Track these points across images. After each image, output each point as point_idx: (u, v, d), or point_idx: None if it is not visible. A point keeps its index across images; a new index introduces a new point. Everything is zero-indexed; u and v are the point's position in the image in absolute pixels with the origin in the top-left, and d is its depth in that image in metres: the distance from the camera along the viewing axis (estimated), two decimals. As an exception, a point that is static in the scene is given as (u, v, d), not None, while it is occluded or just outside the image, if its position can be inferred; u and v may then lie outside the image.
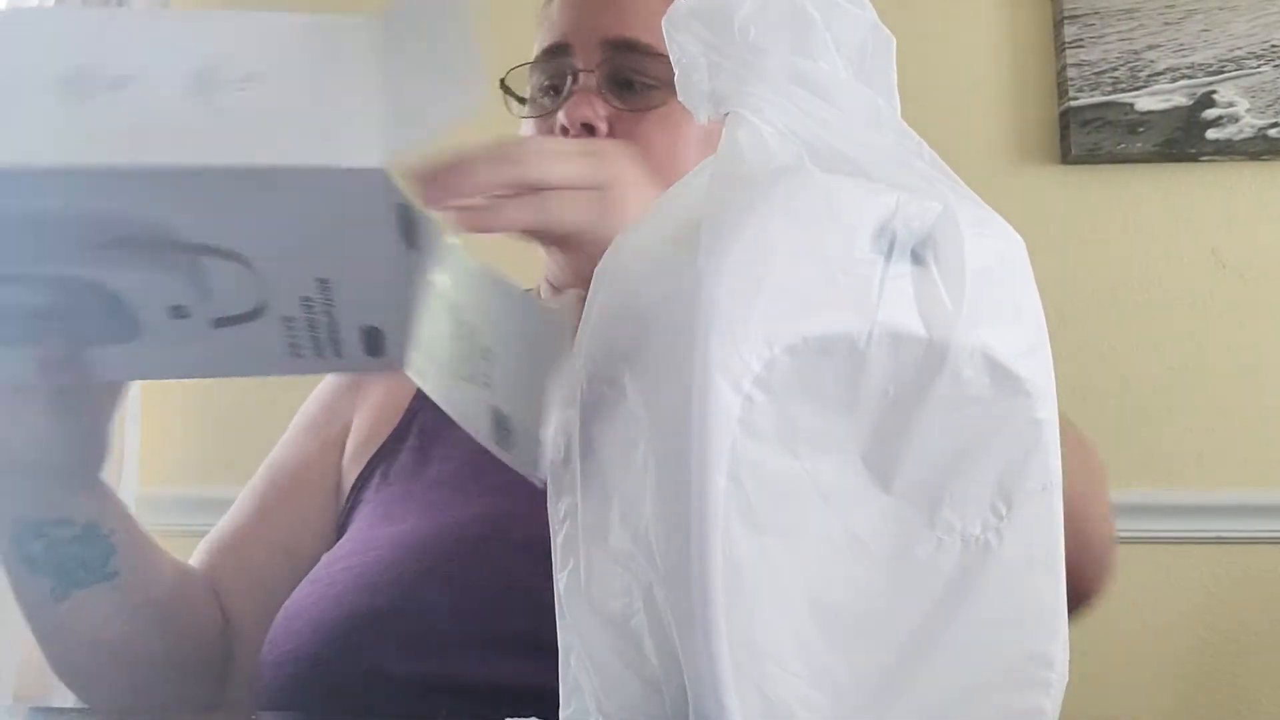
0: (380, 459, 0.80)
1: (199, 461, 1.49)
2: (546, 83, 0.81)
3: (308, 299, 0.49)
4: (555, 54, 0.80)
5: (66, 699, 1.34)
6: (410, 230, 0.46)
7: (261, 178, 0.43)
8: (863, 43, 0.42)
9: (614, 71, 0.77)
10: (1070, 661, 0.39)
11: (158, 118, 0.43)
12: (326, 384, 0.89)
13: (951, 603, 0.37)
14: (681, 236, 0.37)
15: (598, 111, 0.76)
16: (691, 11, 0.41)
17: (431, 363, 0.51)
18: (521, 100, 0.83)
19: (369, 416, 0.83)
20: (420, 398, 0.81)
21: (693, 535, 0.33)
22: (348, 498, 0.80)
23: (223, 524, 0.82)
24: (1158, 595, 1.43)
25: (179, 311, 0.50)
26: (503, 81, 0.83)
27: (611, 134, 0.76)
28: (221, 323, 0.50)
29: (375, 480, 0.78)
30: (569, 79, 0.78)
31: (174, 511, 1.44)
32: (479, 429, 0.49)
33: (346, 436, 0.83)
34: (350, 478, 0.81)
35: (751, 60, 0.40)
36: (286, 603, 0.70)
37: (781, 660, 0.34)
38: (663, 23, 0.42)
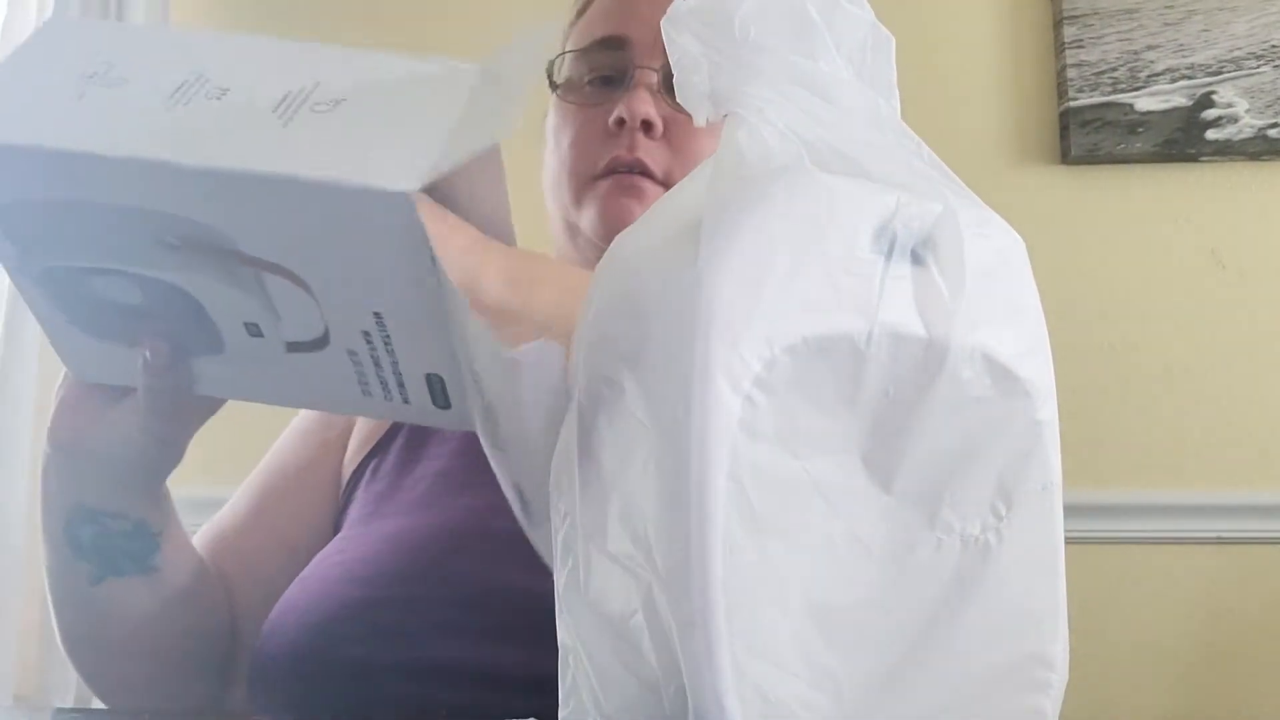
0: (372, 457, 0.80)
1: (204, 461, 1.49)
2: (597, 73, 0.80)
3: (367, 333, 0.50)
4: (611, 46, 0.79)
5: (66, 699, 1.35)
6: (439, 264, 0.46)
7: (297, 190, 0.44)
8: (863, 42, 0.42)
9: None
10: (1070, 661, 0.39)
11: (238, 128, 0.46)
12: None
13: (952, 603, 0.37)
14: (681, 236, 0.37)
15: (658, 110, 0.76)
16: (691, 11, 0.41)
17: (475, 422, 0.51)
18: (554, 85, 0.83)
19: (367, 419, 0.83)
20: None
21: (692, 536, 0.33)
22: (342, 495, 0.80)
23: (221, 520, 0.82)
24: (1158, 595, 1.43)
25: (254, 330, 0.52)
26: (550, 68, 0.83)
27: (665, 136, 0.76)
28: (293, 347, 0.52)
29: (366, 478, 0.79)
30: (627, 73, 0.77)
31: (181, 511, 1.43)
32: (514, 504, 0.48)
33: (348, 438, 0.84)
34: (347, 475, 0.81)
35: (751, 60, 0.40)
36: (279, 601, 0.70)
37: (781, 661, 0.34)
38: (662, 22, 0.42)
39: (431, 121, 0.46)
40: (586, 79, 0.81)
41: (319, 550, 0.75)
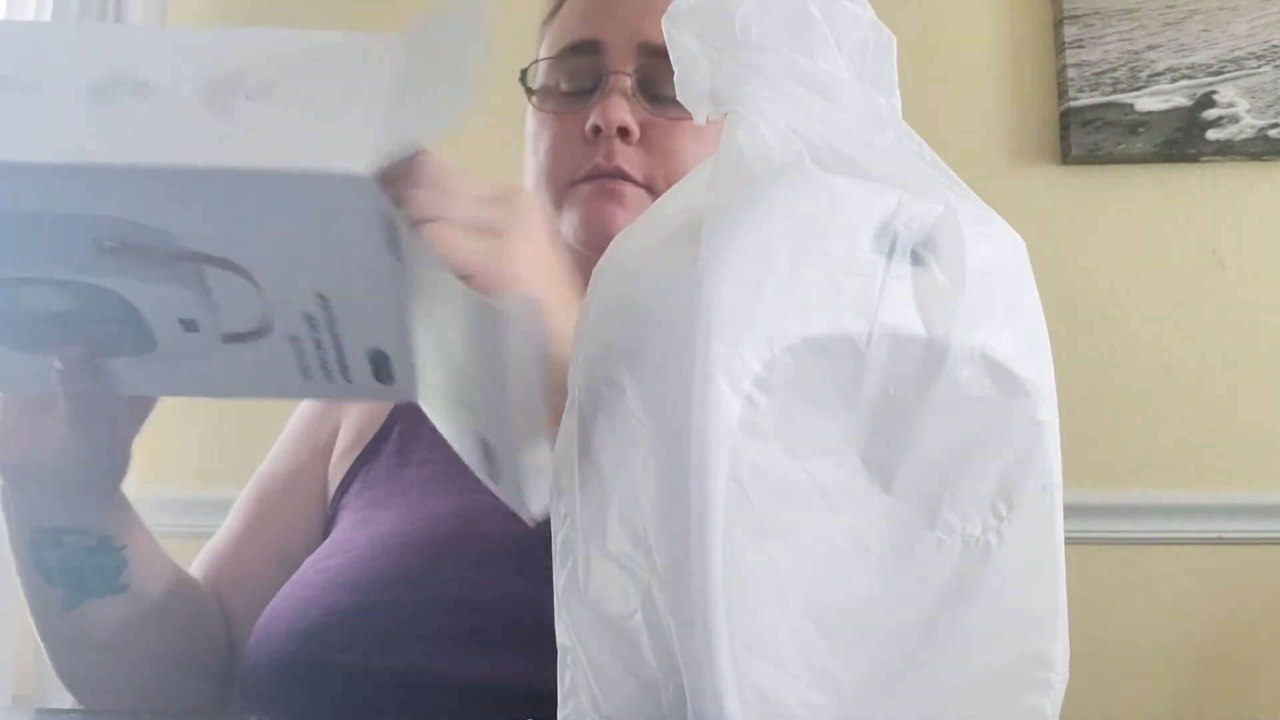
0: (361, 463, 0.79)
1: (197, 462, 1.49)
2: (571, 80, 0.79)
3: (310, 317, 0.49)
4: (583, 51, 0.78)
5: (64, 700, 1.34)
6: (395, 241, 0.46)
7: (248, 180, 0.44)
8: (864, 41, 0.42)
9: (651, 77, 0.75)
10: (1070, 662, 0.39)
11: (171, 123, 0.45)
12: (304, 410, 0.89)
13: (952, 604, 0.37)
14: (681, 236, 0.37)
15: (634, 116, 0.75)
16: (692, 9, 0.41)
17: (429, 389, 0.51)
18: (529, 91, 0.82)
19: (355, 422, 0.83)
20: (403, 404, 0.81)
21: (692, 536, 0.33)
22: (331, 502, 0.80)
23: (219, 534, 0.82)
24: (1157, 596, 1.43)
25: (189, 325, 0.51)
26: (523, 75, 0.82)
27: (643, 141, 0.75)
28: (230, 339, 0.51)
29: (356, 485, 0.78)
30: (601, 78, 0.77)
31: (172, 512, 1.43)
32: (473, 460, 0.49)
33: (335, 441, 0.83)
34: (335, 482, 0.81)
35: (752, 59, 0.40)
36: (266, 608, 0.70)
37: (781, 661, 0.34)
38: (663, 21, 0.42)
39: (370, 100, 0.45)
40: (561, 86, 0.80)
41: (304, 551, 0.75)
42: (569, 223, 0.78)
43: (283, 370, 0.52)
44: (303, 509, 0.81)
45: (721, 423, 0.34)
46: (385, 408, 0.82)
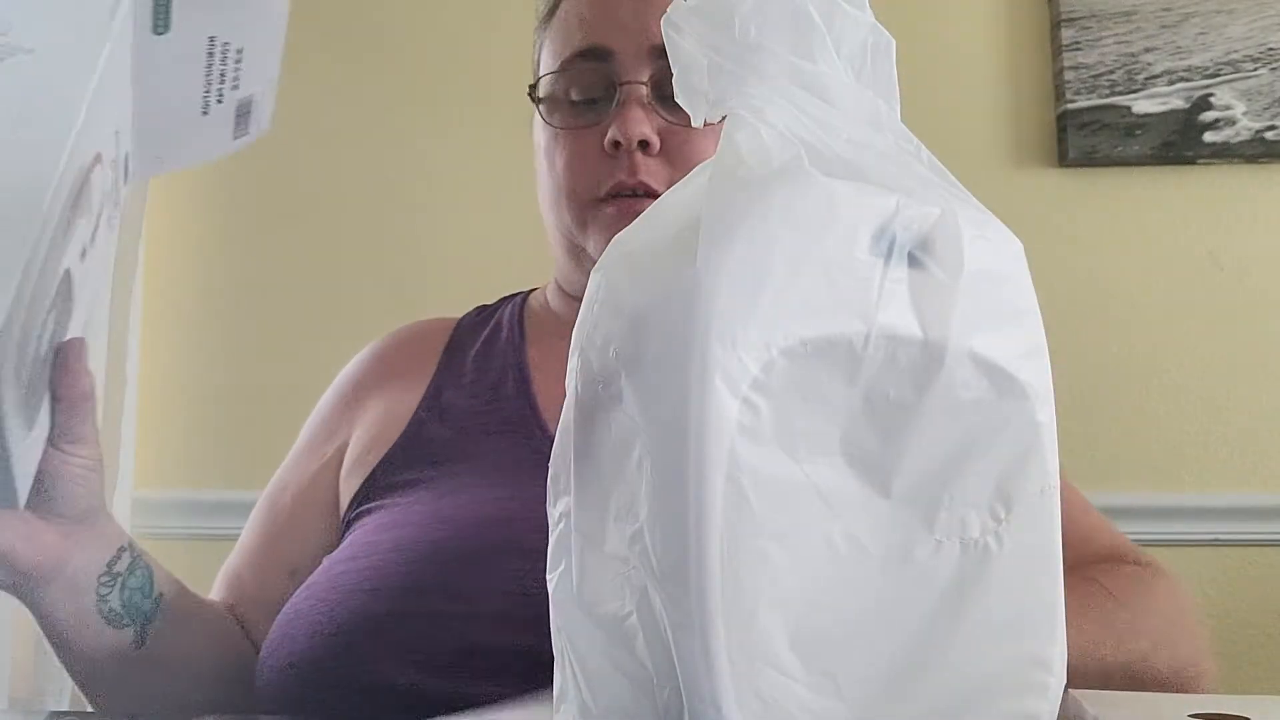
0: (383, 469, 0.77)
1: (194, 465, 1.49)
2: (581, 90, 0.77)
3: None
4: (593, 58, 0.76)
5: (61, 702, 1.34)
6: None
7: None
8: (863, 44, 0.42)
9: (665, 82, 0.72)
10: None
11: None
12: (326, 402, 0.87)
13: (951, 606, 0.37)
14: (680, 238, 0.37)
15: (652, 126, 0.73)
16: (691, 11, 0.41)
17: None
18: (536, 101, 0.80)
19: (368, 430, 0.81)
20: (425, 407, 0.80)
21: (691, 539, 0.33)
22: (347, 511, 0.78)
23: (234, 554, 0.81)
24: (1154, 598, 1.43)
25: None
26: (531, 90, 0.80)
27: (664, 151, 0.74)
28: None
29: (378, 490, 0.76)
30: (613, 88, 0.75)
31: (169, 515, 1.43)
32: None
33: (344, 453, 0.82)
34: (349, 491, 0.79)
35: (751, 61, 0.40)
36: (285, 607, 0.68)
37: (779, 663, 0.34)
38: (662, 22, 0.42)
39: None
40: (571, 95, 0.77)
41: (316, 562, 0.74)
42: (594, 242, 0.77)
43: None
44: (314, 522, 0.79)
45: (719, 425, 0.34)
46: (404, 414, 0.80)
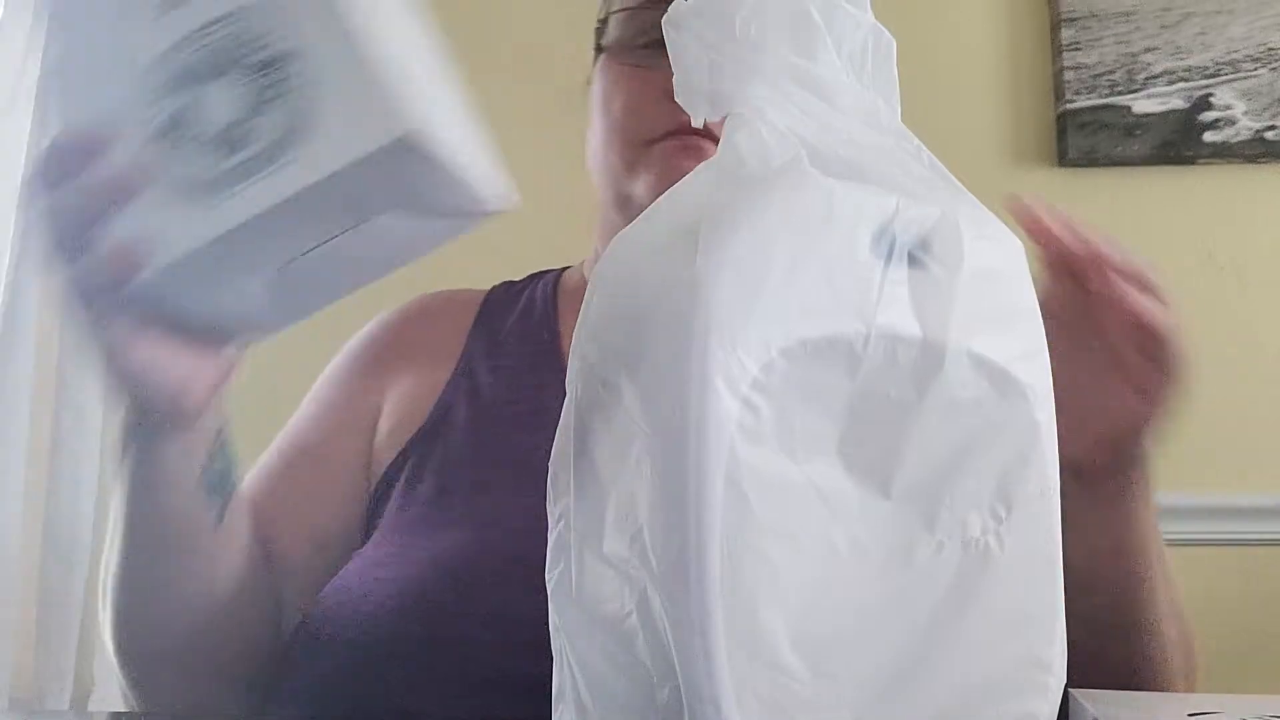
0: (413, 449, 0.75)
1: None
2: (653, 34, 0.74)
3: None
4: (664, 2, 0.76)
5: (61, 702, 1.34)
6: None
7: None
8: (863, 44, 0.42)
9: None
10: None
11: None
12: (343, 369, 0.83)
13: (951, 607, 0.37)
14: (680, 238, 0.37)
15: None
16: (692, 10, 0.41)
17: None
18: (600, 48, 0.79)
19: (401, 403, 0.78)
20: (453, 388, 0.77)
21: (690, 539, 0.33)
22: (378, 484, 0.75)
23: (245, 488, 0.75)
24: (1154, 598, 1.43)
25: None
26: (598, 31, 0.80)
27: None
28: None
29: (407, 472, 0.74)
30: None
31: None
32: None
33: (376, 419, 0.78)
34: (382, 463, 0.76)
35: (752, 60, 0.40)
36: (314, 611, 0.66)
37: (779, 664, 0.34)
38: (663, 22, 0.41)
39: None
40: (640, 40, 0.76)
41: (343, 533, 0.72)
42: (644, 183, 0.75)
43: None
44: (343, 492, 0.76)
45: (719, 425, 0.34)
46: (431, 392, 0.77)
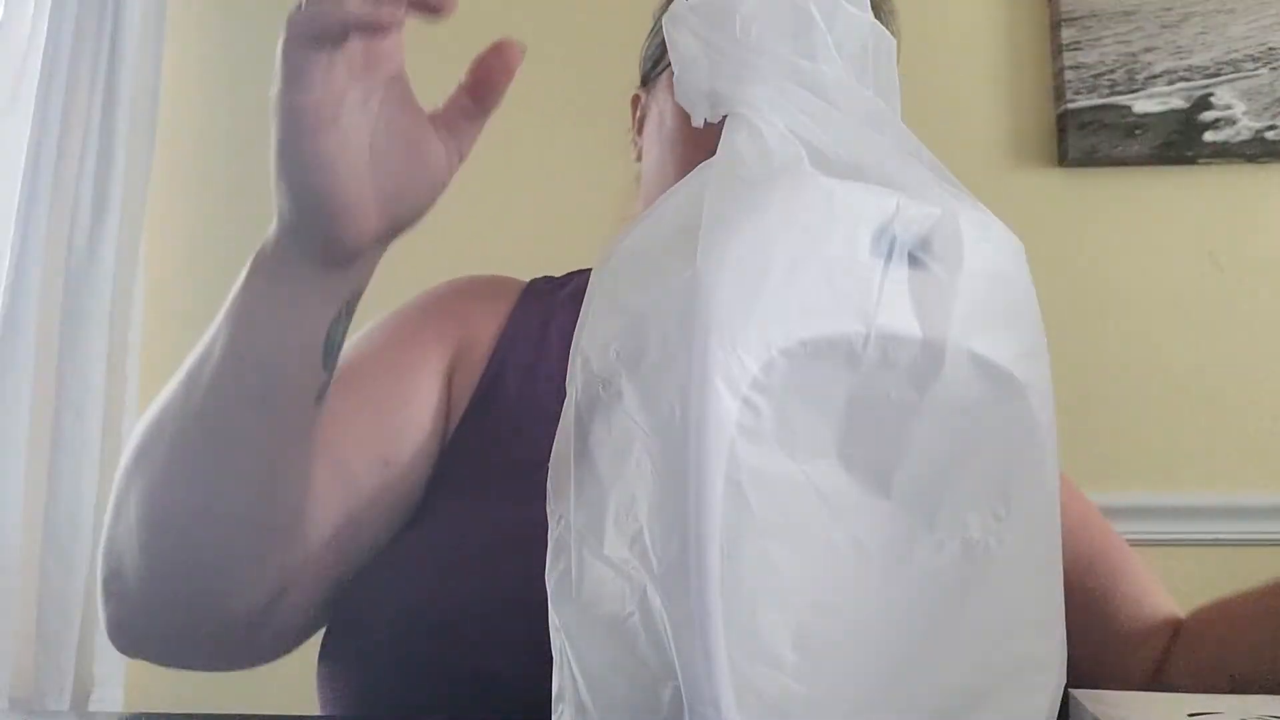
0: (470, 419, 0.73)
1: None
2: None
3: None
4: None
5: (62, 702, 1.34)
6: None
7: None
8: (864, 44, 0.42)
9: None
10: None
11: None
12: (405, 318, 0.80)
13: (951, 606, 0.37)
14: (680, 238, 0.37)
15: None
16: (692, 10, 0.41)
17: None
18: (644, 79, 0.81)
19: (460, 360, 0.77)
20: (504, 345, 0.77)
21: (691, 539, 0.33)
22: (454, 430, 0.74)
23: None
24: (1154, 598, 1.43)
25: None
26: (651, 66, 0.82)
27: None
28: None
29: (457, 433, 0.73)
30: None
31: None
32: None
33: (446, 363, 0.76)
34: (459, 409, 0.74)
35: (752, 60, 0.40)
36: (370, 580, 0.65)
37: (779, 663, 0.34)
38: (663, 21, 0.41)
39: None
40: None
41: (411, 467, 0.70)
42: None
43: None
44: (413, 421, 0.72)
45: (719, 425, 0.34)
46: (484, 349, 0.76)
